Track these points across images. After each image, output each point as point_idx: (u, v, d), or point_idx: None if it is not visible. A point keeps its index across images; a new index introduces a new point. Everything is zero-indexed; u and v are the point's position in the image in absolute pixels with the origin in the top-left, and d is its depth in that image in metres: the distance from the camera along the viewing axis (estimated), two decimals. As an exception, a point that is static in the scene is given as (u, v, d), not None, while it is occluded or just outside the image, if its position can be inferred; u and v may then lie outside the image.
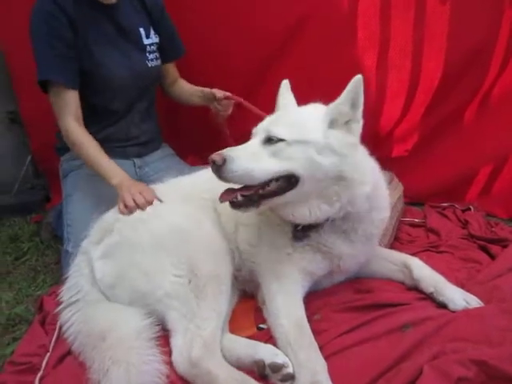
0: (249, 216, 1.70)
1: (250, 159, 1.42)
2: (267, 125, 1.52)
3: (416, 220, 2.42)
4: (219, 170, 1.40)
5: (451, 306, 1.55)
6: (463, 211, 2.41)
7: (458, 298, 1.57)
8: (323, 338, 1.46)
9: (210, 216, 1.74)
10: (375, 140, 2.59)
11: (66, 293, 1.68)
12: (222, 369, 1.36)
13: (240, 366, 1.41)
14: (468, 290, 1.62)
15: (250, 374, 1.37)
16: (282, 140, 1.44)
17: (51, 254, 2.49)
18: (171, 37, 2.47)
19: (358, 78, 1.42)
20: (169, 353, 1.44)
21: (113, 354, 1.38)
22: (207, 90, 2.40)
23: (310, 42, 2.59)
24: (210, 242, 1.64)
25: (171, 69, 2.56)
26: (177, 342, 1.44)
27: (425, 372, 1.24)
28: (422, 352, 1.33)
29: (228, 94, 2.32)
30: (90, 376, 1.35)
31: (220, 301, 1.52)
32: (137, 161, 2.48)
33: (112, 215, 1.82)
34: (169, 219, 1.68)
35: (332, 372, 1.32)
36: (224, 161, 1.39)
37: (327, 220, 1.53)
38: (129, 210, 1.79)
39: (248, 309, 1.73)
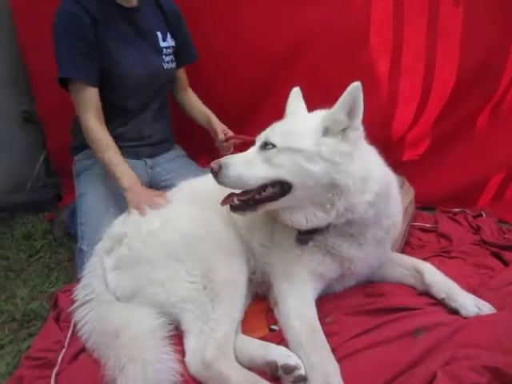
0: (262, 218, 1.72)
1: (244, 165, 1.49)
2: (266, 132, 1.57)
3: (427, 225, 2.42)
4: (216, 176, 1.49)
5: (463, 312, 1.55)
6: (474, 217, 2.41)
7: (470, 304, 1.56)
8: (335, 341, 1.46)
9: (224, 219, 1.75)
10: (387, 144, 2.59)
11: (80, 291, 1.69)
12: (234, 370, 1.37)
13: (252, 367, 1.42)
14: (480, 297, 1.62)
15: (262, 375, 1.38)
16: (274, 147, 1.48)
17: (64, 252, 2.52)
18: (185, 42, 2.55)
19: (355, 85, 1.41)
20: (183, 352, 1.45)
21: (127, 351, 1.39)
22: (213, 122, 2.48)
23: (322, 48, 2.61)
24: (225, 247, 1.64)
25: (182, 75, 2.63)
26: (190, 344, 1.45)
27: (438, 377, 1.24)
28: (435, 357, 1.33)
29: (230, 134, 2.40)
30: (106, 373, 1.37)
31: (235, 305, 1.53)
32: (148, 161, 2.51)
33: (121, 224, 1.82)
34: (179, 228, 1.68)
35: (344, 375, 1.32)
36: (220, 167, 1.48)
37: (329, 225, 1.54)
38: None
39: (260, 310, 1.73)
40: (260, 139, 1.56)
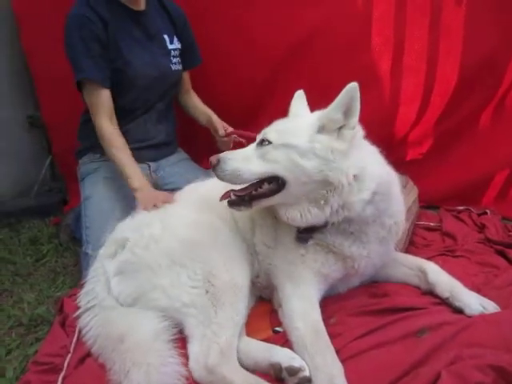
0: (265, 217, 1.73)
1: (241, 160, 1.54)
2: (265, 129, 1.60)
3: (431, 224, 2.41)
4: (215, 170, 1.54)
5: (467, 311, 1.55)
6: (479, 215, 2.40)
7: (475, 302, 1.56)
8: (339, 342, 1.46)
9: (227, 222, 1.76)
10: (390, 143, 2.59)
11: (83, 298, 1.70)
12: (238, 374, 1.38)
13: (256, 369, 1.43)
14: (485, 295, 1.61)
15: (265, 377, 1.38)
16: (270, 143, 1.52)
17: (70, 256, 2.54)
18: (191, 46, 2.60)
19: (353, 85, 1.43)
20: (187, 355, 1.46)
21: (132, 355, 1.40)
22: (214, 120, 2.51)
23: (324, 48, 2.61)
24: (227, 251, 1.65)
25: (185, 78, 2.66)
26: (193, 349, 1.46)
27: (443, 377, 1.23)
28: (440, 357, 1.33)
29: (230, 130, 2.43)
30: (111, 377, 1.38)
31: (237, 309, 1.53)
32: (152, 164, 2.53)
33: (124, 229, 1.83)
34: (181, 232, 1.69)
35: (349, 376, 1.32)
36: (218, 161, 1.53)
37: (328, 223, 1.55)
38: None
39: (264, 312, 1.74)
40: (259, 136, 1.60)
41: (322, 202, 1.49)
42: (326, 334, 1.46)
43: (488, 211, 2.40)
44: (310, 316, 1.52)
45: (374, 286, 1.80)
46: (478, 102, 2.52)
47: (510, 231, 2.22)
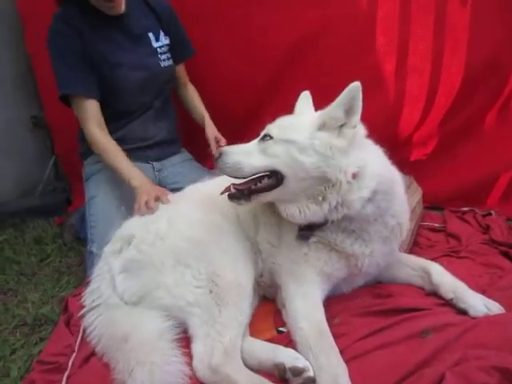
0: (269, 215, 1.74)
1: (242, 154, 1.57)
2: (268, 125, 1.62)
3: (436, 225, 2.40)
4: (217, 162, 1.58)
5: (472, 313, 1.54)
6: (483, 216, 2.39)
7: (479, 304, 1.55)
8: (343, 342, 1.46)
9: (232, 222, 1.76)
10: (395, 144, 2.58)
11: (88, 297, 1.71)
12: (242, 374, 1.38)
13: (260, 370, 1.43)
14: (489, 296, 1.61)
15: (270, 378, 1.38)
16: (271, 138, 1.55)
17: (74, 256, 2.55)
18: (180, 38, 2.55)
19: (355, 84, 1.44)
20: (190, 354, 1.46)
21: (136, 355, 1.41)
22: (206, 129, 2.53)
23: (328, 49, 2.60)
24: (231, 250, 1.65)
25: (181, 72, 2.65)
26: (197, 348, 1.46)
27: (447, 378, 1.23)
28: (444, 358, 1.32)
29: (223, 142, 2.43)
30: (115, 376, 1.38)
31: (241, 309, 1.53)
32: (156, 164, 2.54)
33: (131, 226, 1.83)
34: (186, 232, 1.69)
35: (353, 376, 1.32)
36: (220, 154, 1.57)
37: (328, 221, 1.55)
38: (140, 214, 1.87)
39: (268, 312, 1.74)
40: (263, 132, 1.62)
41: (320, 199, 1.50)
42: (330, 334, 1.46)
43: (493, 212, 2.39)
44: (314, 316, 1.52)
45: (378, 286, 1.79)
46: (482, 103, 2.51)
47: (515, 232, 2.20)
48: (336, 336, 1.47)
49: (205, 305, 1.52)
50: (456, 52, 2.46)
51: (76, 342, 1.63)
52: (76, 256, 2.54)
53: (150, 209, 1.86)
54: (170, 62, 2.50)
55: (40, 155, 3.36)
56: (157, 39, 2.44)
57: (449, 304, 1.62)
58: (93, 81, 2.24)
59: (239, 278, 1.58)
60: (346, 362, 1.37)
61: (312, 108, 1.77)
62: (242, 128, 2.71)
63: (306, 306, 1.54)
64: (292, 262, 1.64)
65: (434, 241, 2.26)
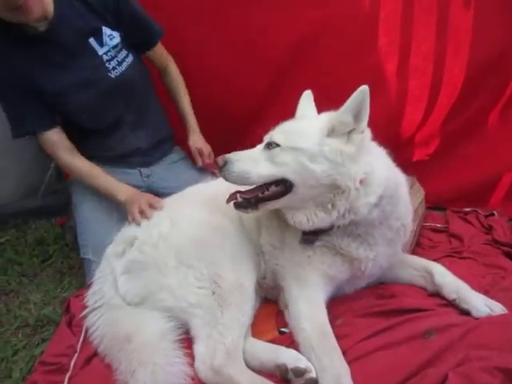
0: (270, 218, 1.73)
1: (248, 162, 1.52)
2: (271, 131, 1.59)
3: (438, 225, 2.39)
4: (221, 171, 1.52)
5: (474, 313, 1.54)
6: (486, 216, 2.38)
7: (481, 304, 1.55)
8: (345, 343, 1.46)
9: (234, 223, 1.76)
10: (397, 144, 2.58)
11: (90, 298, 1.71)
12: (244, 375, 1.38)
13: (262, 370, 1.44)
14: (492, 297, 1.61)
15: (272, 378, 1.38)
16: (278, 146, 1.50)
17: (76, 257, 2.54)
18: (139, 25, 2.18)
19: (363, 88, 1.41)
20: (193, 355, 1.46)
21: (138, 355, 1.41)
22: (189, 136, 2.42)
23: (330, 49, 2.59)
24: (233, 251, 1.66)
25: (156, 56, 2.36)
26: (199, 349, 1.46)
27: (450, 378, 1.23)
28: (447, 359, 1.32)
29: (209, 160, 2.37)
30: (118, 377, 1.39)
31: (243, 310, 1.54)
32: (144, 170, 2.41)
33: (133, 228, 1.83)
34: (189, 233, 1.70)
35: (355, 377, 1.32)
36: (225, 163, 1.51)
37: (333, 226, 1.54)
38: (137, 223, 1.84)
39: (270, 312, 1.74)
40: (266, 138, 1.58)
41: (330, 206, 1.48)
42: (332, 335, 1.46)
43: (495, 212, 2.38)
44: (317, 317, 1.52)
45: (381, 287, 1.79)
46: (485, 103, 2.50)
47: (517, 233, 2.20)
48: (338, 337, 1.47)
49: (207, 306, 1.52)
50: (458, 53, 2.45)
51: (78, 342, 1.63)
52: (78, 257, 2.50)
53: (146, 218, 1.83)
54: (124, 65, 2.12)
55: (42, 156, 3.34)
56: (101, 44, 2.05)
57: (451, 304, 1.62)
58: (45, 111, 2.05)
59: (241, 280, 1.58)
60: (349, 362, 1.37)
61: (314, 108, 1.75)
62: (242, 128, 2.70)
63: (309, 308, 1.54)
64: (295, 265, 1.64)
65: (437, 241, 2.25)
